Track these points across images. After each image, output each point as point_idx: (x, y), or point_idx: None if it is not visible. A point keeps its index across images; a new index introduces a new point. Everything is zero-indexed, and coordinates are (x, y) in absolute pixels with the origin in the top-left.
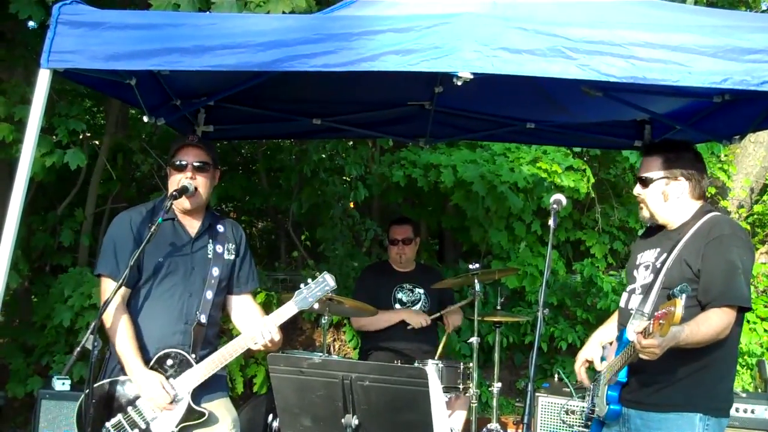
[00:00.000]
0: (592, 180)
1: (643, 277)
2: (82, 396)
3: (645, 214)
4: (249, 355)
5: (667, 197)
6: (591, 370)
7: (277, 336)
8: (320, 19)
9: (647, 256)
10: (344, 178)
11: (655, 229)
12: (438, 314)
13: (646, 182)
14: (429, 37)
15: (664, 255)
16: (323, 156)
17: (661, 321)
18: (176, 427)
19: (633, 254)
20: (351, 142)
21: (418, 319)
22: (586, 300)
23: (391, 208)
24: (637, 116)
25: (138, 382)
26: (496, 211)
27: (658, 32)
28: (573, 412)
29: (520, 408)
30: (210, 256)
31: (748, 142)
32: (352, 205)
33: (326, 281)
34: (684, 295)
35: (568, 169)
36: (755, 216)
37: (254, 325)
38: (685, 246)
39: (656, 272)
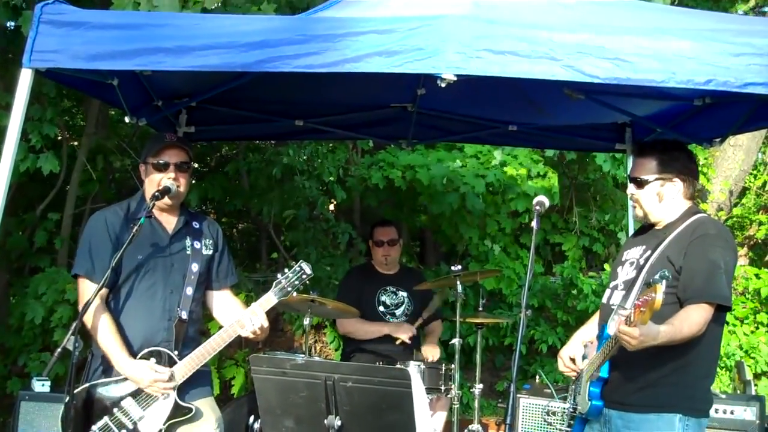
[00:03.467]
0: (556, 188)
1: (626, 273)
2: (66, 399)
3: (639, 213)
4: (228, 356)
5: (661, 198)
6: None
7: (266, 322)
8: (303, 20)
9: (633, 253)
10: (324, 179)
11: (646, 228)
12: (421, 320)
13: (641, 183)
14: (412, 38)
15: (649, 252)
16: (297, 158)
17: (642, 309)
18: (164, 424)
19: (621, 252)
20: (331, 144)
21: (404, 333)
22: (567, 302)
23: (372, 211)
24: (618, 119)
25: (128, 374)
26: (458, 211)
27: (643, 34)
28: (554, 413)
29: (502, 409)
30: (189, 253)
31: (727, 146)
32: (332, 208)
33: (303, 269)
34: (664, 281)
35: (536, 177)
36: (734, 219)
37: (240, 312)
38: (669, 244)
39: (639, 269)
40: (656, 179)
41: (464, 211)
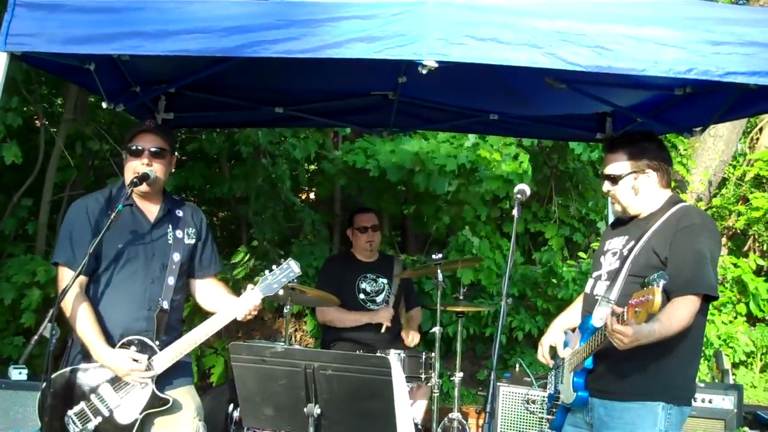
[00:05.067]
0: (528, 168)
1: (609, 263)
2: (43, 385)
3: (617, 208)
4: (207, 345)
5: (637, 191)
6: (554, 357)
7: (258, 301)
8: (284, 5)
9: (615, 243)
10: (295, 162)
11: (625, 219)
12: (394, 295)
13: (614, 179)
14: (394, 24)
15: (632, 242)
16: (266, 141)
17: (636, 309)
18: (140, 413)
19: (602, 241)
20: (303, 135)
21: (383, 317)
22: (547, 290)
23: (353, 199)
24: (599, 109)
25: (107, 362)
26: (427, 190)
27: (625, 22)
28: (534, 402)
29: (481, 398)
30: (170, 242)
31: (707, 136)
32: (312, 197)
33: (291, 267)
34: (662, 282)
35: (508, 160)
36: (714, 209)
37: (229, 302)
38: (653, 234)
39: (623, 259)
40: (629, 173)
41: (437, 197)
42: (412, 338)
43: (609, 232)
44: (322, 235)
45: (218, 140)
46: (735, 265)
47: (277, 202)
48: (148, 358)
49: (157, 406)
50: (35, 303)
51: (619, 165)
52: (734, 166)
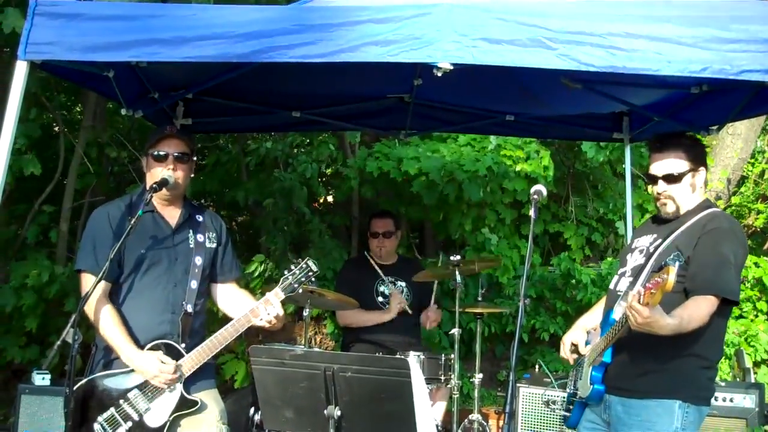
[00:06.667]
0: (549, 162)
1: (634, 260)
2: (67, 390)
3: (670, 209)
4: (228, 350)
5: (694, 188)
6: (575, 353)
7: (281, 311)
8: (299, 10)
9: (643, 241)
10: (305, 175)
11: (658, 217)
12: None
13: (674, 178)
14: (408, 27)
15: (659, 240)
16: (277, 149)
17: (652, 291)
18: (169, 416)
19: (631, 239)
20: (318, 138)
21: (398, 308)
22: (566, 292)
23: (372, 202)
24: (616, 108)
25: (135, 365)
26: (456, 199)
27: (638, 22)
28: (554, 402)
29: (502, 399)
30: (192, 246)
31: (725, 134)
32: (330, 199)
33: (309, 266)
34: (677, 263)
35: (530, 158)
36: (733, 207)
37: (252, 302)
38: (681, 234)
39: (648, 256)
40: (688, 171)
41: (462, 202)
42: (432, 318)
43: (639, 230)
44: (332, 241)
45: (233, 150)
46: (756, 264)
47: (290, 213)
48: (176, 359)
49: (186, 408)
50: (32, 303)
51: (677, 163)
52: (753, 164)
